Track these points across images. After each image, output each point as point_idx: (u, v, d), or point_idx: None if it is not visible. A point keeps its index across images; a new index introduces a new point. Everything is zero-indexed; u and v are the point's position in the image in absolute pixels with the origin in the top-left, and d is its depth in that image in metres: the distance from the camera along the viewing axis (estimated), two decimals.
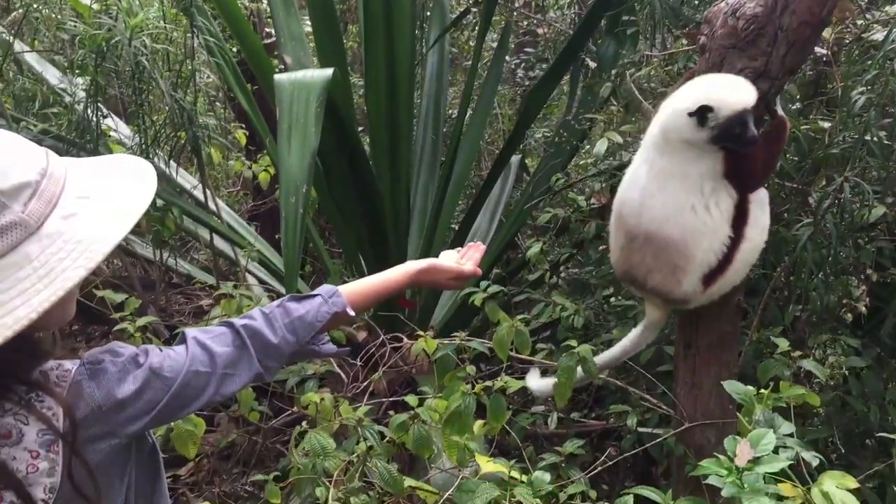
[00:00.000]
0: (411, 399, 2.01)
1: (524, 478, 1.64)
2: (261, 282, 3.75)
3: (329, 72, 2.51)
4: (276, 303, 1.33)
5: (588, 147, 3.46)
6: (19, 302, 0.93)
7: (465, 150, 3.95)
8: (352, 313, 1.38)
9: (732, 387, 1.47)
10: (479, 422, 2.01)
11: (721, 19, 1.84)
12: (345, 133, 3.05)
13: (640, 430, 2.41)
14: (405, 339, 2.65)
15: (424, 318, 3.53)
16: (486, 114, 4.28)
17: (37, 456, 1.01)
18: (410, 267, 1.56)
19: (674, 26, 2.80)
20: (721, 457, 1.30)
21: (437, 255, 1.67)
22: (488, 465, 1.66)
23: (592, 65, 3.53)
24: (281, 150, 2.39)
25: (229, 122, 4.36)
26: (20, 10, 3.70)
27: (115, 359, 1.11)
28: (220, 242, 3.70)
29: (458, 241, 3.88)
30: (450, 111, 4.69)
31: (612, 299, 2.97)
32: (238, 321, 1.27)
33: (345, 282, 3.46)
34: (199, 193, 3.67)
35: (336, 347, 1.42)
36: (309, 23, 3.80)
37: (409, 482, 1.87)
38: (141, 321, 2.41)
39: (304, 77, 2.51)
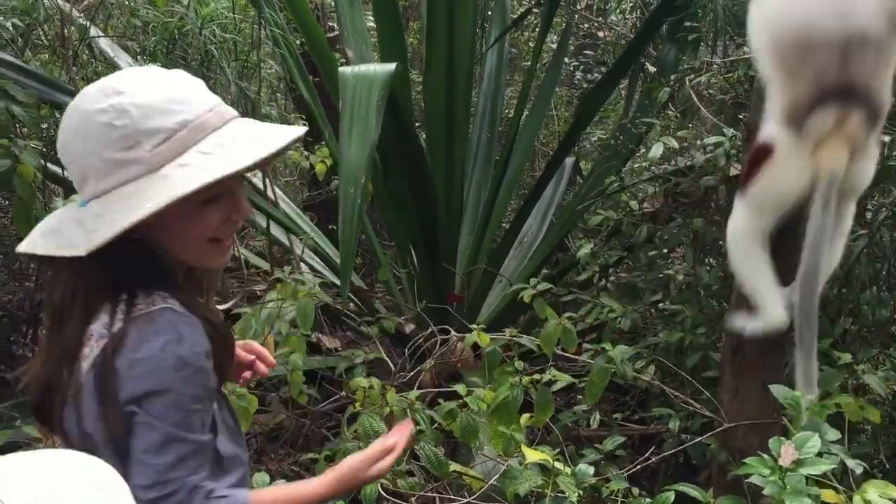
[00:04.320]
0: (461, 388, 2.06)
1: (567, 469, 1.67)
2: (313, 270, 3.82)
3: (391, 67, 2.56)
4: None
5: (643, 151, 3.46)
6: (118, 216, 1.09)
7: (520, 149, 3.97)
8: None
9: (779, 391, 1.48)
10: (526, 415, 2.05)
11: None
12: (403, 128, 3.10)
13: (682, 436, 2.41)
14: (453, 333, 2.69)
15: (472, 313, 3.57)
16: (542, 115, 4.30)
17: (90, 339, 1.15)
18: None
19: (736, 34, 2.80)
20: (765, 456, 1.32)
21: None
22: (533, 454, 1.69)
23: (652, 69, 3.53)
24: (342, 140, 2.44)
25: (290, 112, 4.44)
26: None
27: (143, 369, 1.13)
28: (275, 230, 3.78)
29: (508, 239, 3.92)
30: (506, 111, 4.72)
31: (661, 304, 2.98)
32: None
33: (396, 275, 3.53)
34: (257, 181, 3.74)
35: None
36: (371, 18, 3.87)
37: (454, 467, 1.92)
38: None
39: (367, 71, 2.56)
